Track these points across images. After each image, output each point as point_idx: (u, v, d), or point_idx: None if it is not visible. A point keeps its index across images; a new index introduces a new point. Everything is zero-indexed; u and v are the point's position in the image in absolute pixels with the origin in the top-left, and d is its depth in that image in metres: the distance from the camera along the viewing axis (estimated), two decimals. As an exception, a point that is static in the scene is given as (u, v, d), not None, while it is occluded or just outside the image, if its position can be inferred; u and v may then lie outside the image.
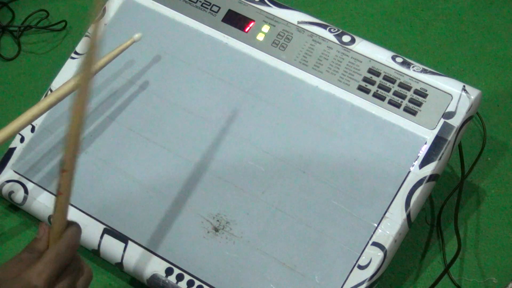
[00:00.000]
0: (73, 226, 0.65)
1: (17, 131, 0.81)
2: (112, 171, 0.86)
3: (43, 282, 0.61)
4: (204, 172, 0.83)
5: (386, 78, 0.82)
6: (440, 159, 0.78)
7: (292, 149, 0.82)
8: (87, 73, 0.66)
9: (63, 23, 1.10)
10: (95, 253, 0.84)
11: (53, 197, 0.87)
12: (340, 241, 0.78)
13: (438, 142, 0.79)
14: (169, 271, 0.81)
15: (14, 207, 0.91)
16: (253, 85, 0.86)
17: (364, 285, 0.76)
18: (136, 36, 0.87)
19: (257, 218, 0.80)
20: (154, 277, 0.81)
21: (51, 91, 0.92)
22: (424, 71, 0.82)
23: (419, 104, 0.80)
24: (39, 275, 0.61)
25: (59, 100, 0.83)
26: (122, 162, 0.86)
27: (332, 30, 0.86)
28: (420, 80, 0.81)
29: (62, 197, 0.65)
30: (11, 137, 0.80)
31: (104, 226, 0.84)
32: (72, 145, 0.67)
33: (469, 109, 0.79)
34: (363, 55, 0.84)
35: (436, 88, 0.81)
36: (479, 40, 1.05)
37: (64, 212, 0.65)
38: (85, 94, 0.66)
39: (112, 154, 0.87)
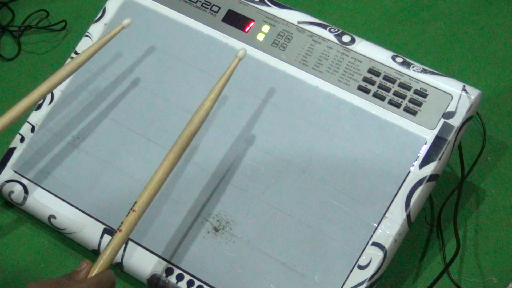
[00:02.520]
0: (111, 270, 0.68)
1: (10, 124, 0.80)
2: (112, 171, 0.86)
3: None
4: (204, 172, 0.83)
5: (386, 78, 0.82)
6: (440, 159, 0.78)
7: (292, 149, 0.82)
8: (192, 134, 0.74)
9: (63, 23, 1.10)
10: (95, 253, 0.84)
11: (53, 197, 0.88)
12: (340, 241, 0.78)
13: (438, 142, 0.79)
14: (169, 271, 0.81)
15: (13, 207, 0.91)
16: (253, 85, 0.86)
17: (364, 285, 0.76)
18: (125, 22, 0.85)
19: (257, 218, 0.80)
20: (154, 277, 0.81)
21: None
22: (424, 71, 0.82)
23: (419, 104, 0.80)
24: None
25: (51, 89, 0.82)
26: (122, 162, 0.86)
27: (332, 30, 0.86)
28: (420, 80, 0.81)
29: (121, 235, 0.68)
30: (3, 130, 0.80)
31: (104, 226, 0.84)
32: (152, 189, 0.70)
33: (469, 109, 0.79)
34: (363, 55, 0.84)
35: (436, 88, 0.81)
36: (479, 40, 1.05)
37: (118, 249, 0.68)
38: (183, 149, 0.73)
39: (112, 154, 0.87)
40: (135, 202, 0.70)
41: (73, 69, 0.84)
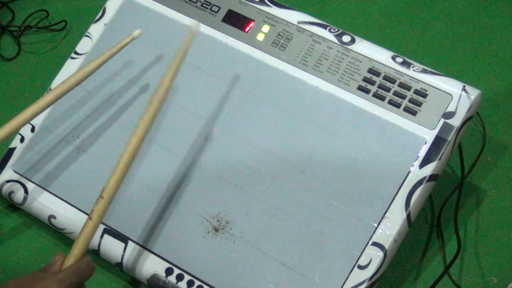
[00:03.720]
0: (88, 256, 0.67)
1: (17, 130, 0.81)
2: (112, 171, 0.86)
3: None
4: (204, 172, 0.83)
5: (386, 78, 0.82)
6: (440, 159, 0.78)
7: (292, 149, 0.82)
8: (153, 114, 0.73)
9: (63, 23, 1.10)
10: (95, 253, 0.84)
11: (53, 196, 0.88)
12: (340, 241, 0.78)
13: (438, 142, 0.79)
14: (169, 271, 0.81)
15: (14, 207, 0.91)
16: (253, 85, 0.86)
17: (364, 285, 0.76)
18: (136, 33, 0.86)
19: (257, 218, 0.80)
20: (154, 277, 0.81)
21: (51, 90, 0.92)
22: (424, 71, 0.82)
23: (419, 104, 0.80)
24: (60, 281, 0.62)
25: (58, 98, 0.83)
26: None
27: (332, 30, 0.86)
28: (420, 80, 0.81)
29: (91, 223, 0.68)
30: (11, 136, 0.80)
31: (104, 226, 0.84)
32: (119, 174, 0.70)
33: (469, 109, 0.79)
34: (363, 55, 0.84)
35: (436, 88, 0.81)
36: (479, 40, 1.05)
37: (89, 237, 0.68)
38: (145, 129, 0.70)
39: (112, 154, 0.87)
40: (103, 189, 0.69)
41: (82, 78, 0.84)
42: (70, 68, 0.92)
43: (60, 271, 0.65)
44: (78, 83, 0.84)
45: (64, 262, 0.67)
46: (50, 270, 0.65)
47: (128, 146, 0.72)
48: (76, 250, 0.67)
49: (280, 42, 0.87)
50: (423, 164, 0.78)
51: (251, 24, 0.88)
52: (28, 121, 0.81)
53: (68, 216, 0.85)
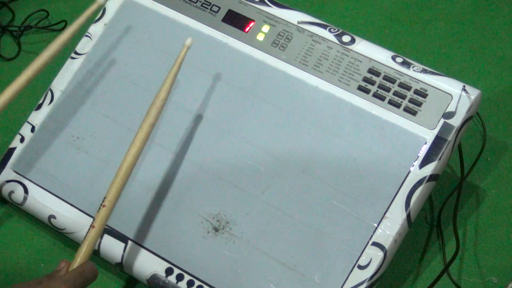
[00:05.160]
0: (92, 262, 0.70)
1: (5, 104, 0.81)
2: (112, 171, 0.86)
3: None
4: (204, 172, 0.83)
5: (386, 78, 0.82)
6: (440, 159, 0.78)
7: (292, 149, 0.82)
8: (151, 125, 0.75)
9: (63, 23, 1.10)
10: (95, 253, 0.84)
11: (53, 197, 0.88)
12: (340, 241, 0.78)
13: (438, 142, 0.79)
14: (169, 271, 0.81)
15: (14, 207, 0.91)
16: (253, 85, 0.86)
17: (364, 285, 0.76)
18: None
19: (257, 218, 0.80)
20: (154, 277, 0.81)
21: (51, 91, 0.92)
22: (424, 71, 0.82)
23: (419, 104, 0.80)
24: (65, 282, 0.64)
25: (37, 73, 0.83)
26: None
27: (332, 30, 0.86)
28: (420, 80, 0.81)
29: (94, 231, 0.70)
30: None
31: (104, 226, 0.84)
32: (118, 185, 0.72)
33: (469, 109, 0.79)
34: (363, 55, 0.84)
35: (436, 88, 0.81)
36: (479, 40, 1.05)
37: (92, 245, 0.70)
38: (144, 140, 0.72)
39: (112, 154, 0.87)
40: (104, 198, 0.73)
41: (56, 50, 0.84)
42: (70, 68, 0.92)
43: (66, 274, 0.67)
44: (53, 56, 0.84)
45: (68, 269, 0.69)
46: (56, 276, 0.67)
47: (127, 155, 0.74)
48: (80, 258, 0.70)
49: (280, 42, 0.87)
50: (423, 164, 0.78)
51: (251, 24, 0.88)
52: (10, 101, 0.81)
53: (68, 216, 0.85)
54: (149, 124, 0.76)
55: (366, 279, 0.76)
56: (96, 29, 0.93)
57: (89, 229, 0.72)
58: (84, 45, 0.93)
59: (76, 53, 0.93)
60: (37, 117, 0.91)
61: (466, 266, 0.85)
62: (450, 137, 0.79)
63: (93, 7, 0.86)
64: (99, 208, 0.72)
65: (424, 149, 0.79)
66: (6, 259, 0.88)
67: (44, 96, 0.92)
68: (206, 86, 0.87)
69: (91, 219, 0.84)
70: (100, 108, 0.90)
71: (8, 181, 0.89)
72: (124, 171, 0.74)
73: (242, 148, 0.83)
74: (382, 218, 0.77)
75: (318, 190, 0.80)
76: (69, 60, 0.93)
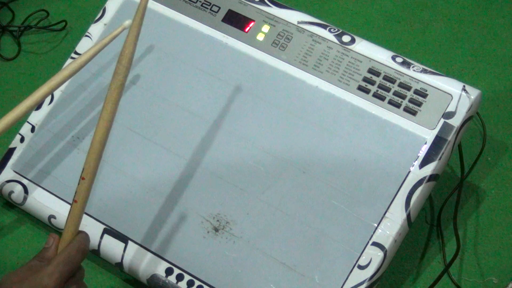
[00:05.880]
0: (82, 233, 0.66)
1: (12, 125, 0.80)
2: (112, 171, 0.86)
3: (54, 283, 0.62)
4: (204, 172, 0.83)
5: (386, 78, 0.82)
6: (440, 159, 0.78)
7: (292, 149, 0.82)
8: (119, 82, 0.68)
9: (63, 23, 1.10)
10: (95, 253, 0.84)
11: (53, 196, 0.88)
12: (340, 241, 0.78)
13: (438, 142, 0.79)
14: (169, 271, 0.81)
15: (13, 207, 0.91)
16: (253, 85, 0.86)
17: (364, 285, 0.76)
18: (126, 22, 0.85)
19: (257, 218, 0.80)
20: (154, 277, 0.81)
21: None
22: (424, 71, 0.82)
23: (419, 104, 0.80)
24: (50, 275, 0.62)
25: (52, 90, 0.82)
26: (122, 162, 0.86)
27: (332, 30, 0.86)
28: (420, 80, 0.81)
29: (77, 205, 0.67)
30: (6, 131, 0.80)
31: (104, 226, 0.84)
32: (95, 154, 0.69)
33: (469, 109, 0.79)
34: (363, 55, 0.84)
35: (436, 88, 0.81)
36: (479, 40, 1.05)
37: (78, 219, 0.67)
38: (115, 102, 0.68)
39: (112, 154, 0.87)
40: (82, 170, 0.68)
41: (75, 70, 0.83)
42: (70, 68, 0.92)
43: (54, 256, 0.65)
44: (72, 75, 0.83)
45: (57, 245, 0.66)
46: (46, 255, 0.65)
47: (99, 122, 0.68)
48: (66, 234, 0.66)
49: (280, 42, 0.87)
50: (423, 164, 0.78)
51: (251, 24, 0.88)
52: (23, 115, 0.80)
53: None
54: (118, 81, 0.71)
55: (366, 279, 0.76)
56: (96, 29, 0.93)
57: (71, 204, 0.67)
58: (84, 45, 0.93)
59: (76, 53, 0.93)
60: (37, 117, 0.91)
61: (466, 266, 0.85)
62: (450, 137, 0.79)
63: (118, 30, 0.85)
64: (79, 182, 0.67)
65: (424, 149, 0.79)
66: (6, 259, 0.88)
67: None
68: (206, 86, 0.87)
69: (91, 219, 0.84)
70: (100, 108, 0.90)
71: (8, 181, 0.89)
72: (98, 139, 0.68)
73: (242, 148, 0.83)
74: (382, 218, 0.77)
75: (318, 190, 0.80)
76: (69, 60, 0.93)
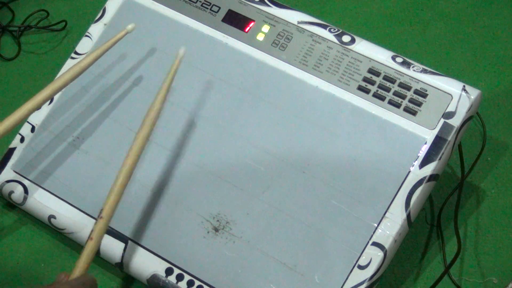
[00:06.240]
0: (90, 276, 0.69)
1: (13, 127, 0.81)
2: (112, 171, 0.86)
3: None
4: (204, 172, 0.83)
5: (386, 78, 0.82)
6: (440, 159, 0.78)
7: (292, 149, 0.82)
8: (145, 136, 0.74)
9: (63, 23, 1.10)
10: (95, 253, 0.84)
11: (53, 196, 0.88)
12: (340, 241, 0.78)
13: (438, 142, 0.79)
14: (169, 271, 0.81)
15: (13, 207, 0.91)
16: (253, 85, 0.86)
17: (364, 285, 0.76)
18: (130, 26, 0.86)
19: (257, 218, 0.80)
20: (154, 277, 0.81)
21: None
22: (424, 71, 0.82)
23: (419, 104, 0.80)
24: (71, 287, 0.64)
25: (55, 93, 0.83)
26: (122, 162, 0.86)
27: (332, 30, 0.86)
28: (420, 80, 0.81)
29: (93, 242, 0.70)
30: (8, 133, 0.80)
31: (102, 238, 0.84)
32: (116, 196, 0.71)
33: (469, 109, 0.79)
34: (363, 55, 0.84)
35: (436, 88, 0.81)
36: (479, 40, 1.05)
37: (91, 256, 0.70)
38: (139, 151, 0.72)
39: (112, 154, 0.87)
40: (101, 209, 0.72)
41: (78, 73, 0.84)
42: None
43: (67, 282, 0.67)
44: (74, 78, 0.84)
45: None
46: (56, 286, 0.67)
47: (123, 167, 0.74)
48: (78, 270, 0.69)
49: (280, 42, 0.87)
50: (423, 164, 0.78)
51: (251, 24, 0.88)
52: (25, 117, 0.81)
53: (68, 216, 0.85)
54: (143, 136, 0.76)
55: (366, 279, 0.76)
56: (96, 29, 0.93)
57: (87, 241, 0.72)
58: (84, 45, 0.93)
59: (76, 53, 0.93)
60: (37, 117, 0.91)
61: (466, 266, 0.85)
62: (450, 137, 0.79)
63: (121, 33, 0.86)
64: (96, 221, 0.72)
65: (424, 149, 0.79)
66: (6, 259, 0.88)
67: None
68: (206, 86, 0.87)
69: (91, 219, 0.84)
70: (100, 108, 0.90)
71: (8, 181, 0.89)
72: (120, 182, 0.73)
73: (242, 148, 0.83)
74: (382, 218, 0.77)
75: (318, 190, 0.80)
76: (69, 60, 0.93)
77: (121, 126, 0.88)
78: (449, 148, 0.79)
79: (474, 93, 0.80)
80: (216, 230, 0.81)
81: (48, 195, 0.87)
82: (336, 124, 0.82)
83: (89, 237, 0.71)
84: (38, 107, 0.82)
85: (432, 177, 0.78)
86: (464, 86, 0.80)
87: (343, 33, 0.86)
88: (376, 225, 0.77)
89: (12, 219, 0.91)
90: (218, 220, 0.81)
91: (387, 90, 0.82)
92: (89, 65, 0.84)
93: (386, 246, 0.76)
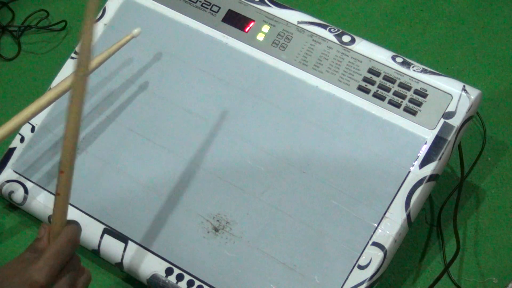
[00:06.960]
0: (73, 223, 0.66)
1: (17, 129, 0.81)
2: (112, 171, 0.86)
3: (44, 277, 0.61)
4: (204, 172, 0.83)
5: (386, 78, 0.82)
6: (440, 159, 0.78)
7: (292, 149, 0.82)
8: (81, 73, 0.66)
9: (63, 23, 1.10)
10: (95, 253, 0.84)
11: (53, 196, 0.88)
12: (340, 241, 0.78)
13: (438, 142, 0.79)
14: (169, 271, 0.81)
15: (14, 207, 0.91)
16: (253, 85, 0.86)
17: (364, 285, 0.76)
18: (135, 31, 0.86)
19: (257, 218, 0.80)
20: (154, 277, 0.81)
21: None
22: (424, 71, 0.82)
23: (419, 104, 0.80)
24: (40, 270, 0.62)
25: (58, 96, 0.83)
26: (122, 162, 0.86)
27: (332, 30, 0.86)
28: (420, 80, 0.81)
29: (61, 197, 0.66)
30: (11, 135, 0.80)
31: (104, 226, 0.84)
32: (69, 146, 0.67)
33: (469, 109, 0.79)
34: (363, 55, 0.84)
35: (436, 88, 0.81)
36: (479, 40, 1.05)
37: (63, 211, 0.66)
38: (81, 94, 0.66)
39: (112, 154, 0.87)
40: (60, 163, 0.65)
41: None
42: (70, 68, 0.92)
43: (46, 248, 0.64)
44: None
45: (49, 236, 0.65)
46: (38, 246, 0.65)
47: (69, 114, 0.67)
48: (54, 227, 0.65)
49: (280, 42, 0.87)
50: (423, 164, 0.78)
51: (251, 24, 0.88)
52: (28, 119, 0.81)
53: (68, 216, 0.85)
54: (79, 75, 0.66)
55: (366, 279, 0.76)
56: (96, 29, 0.93)
57: (55, 198, 0.66)
58: (77, 45, 0.92)
59: (76, 53, 0.93)
60: (37, 117, 0.91)
61: (466, 266, 0.85)
62: (450, 137, 0.79)
63: (127, 38, 0.85)
64: (58, 176, 0.65)
65: (424, 149, 0.79)
66: (6, 259, 0.88)
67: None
68: (206, 86, 0.87)
69: (91, 219, 0.85)
70: (100, 108, 0.90)
71: (8, 181, 0.89)
72: (70, 131, 0.66)
73: (242, 148, 0.83)
74: (382, 218, 0.77)
75: (318, 190, 0.80)
76: (69, 60, 0.93)
77: (120, 125, 0.88)
78: (449, 148, 0.79)
79: (474, 93, 0.80)
80: (216, 230, 0.81)
81: (48, 195, 0.87)
82: (336, 124, 0.82)
83: (56, 193, 0.65)
84: (42, 110, 0.82)
85: (432, 177, 0.78)
86: (464, 86, 0.80)
87: (343, 33, 0.86)
88: (376, 225, 0.77)
89: (11, 219, 0.91)
90: (218, 220, 0.81)
91: (387, 90, 0.82)
92: (93, 70, 0.84)
93: (386, 246, 0.76)
